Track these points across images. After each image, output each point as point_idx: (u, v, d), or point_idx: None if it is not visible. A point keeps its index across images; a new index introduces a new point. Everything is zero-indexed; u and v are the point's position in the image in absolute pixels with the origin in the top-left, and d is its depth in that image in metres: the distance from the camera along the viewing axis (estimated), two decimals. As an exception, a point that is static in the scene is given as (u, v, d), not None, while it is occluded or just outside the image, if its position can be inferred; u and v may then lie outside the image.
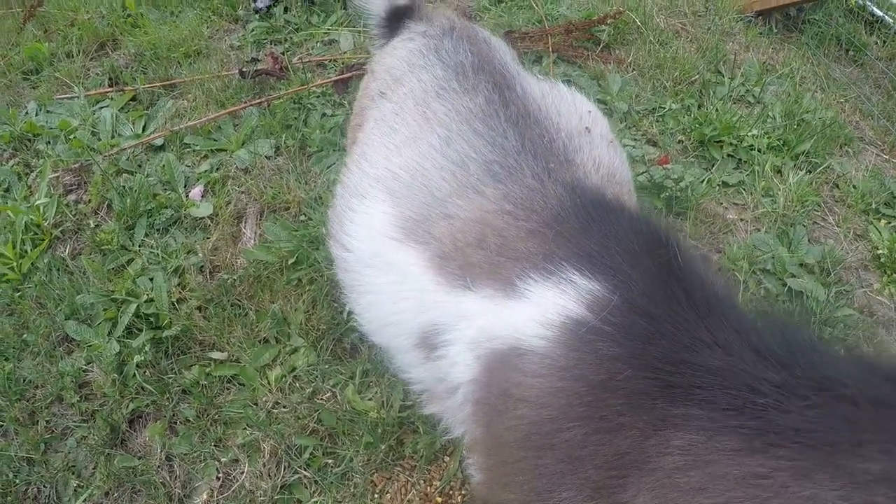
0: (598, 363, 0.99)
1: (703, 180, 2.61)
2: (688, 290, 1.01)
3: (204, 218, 2.40)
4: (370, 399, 1.96)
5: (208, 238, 2.35)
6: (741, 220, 2.55)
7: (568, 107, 1.53)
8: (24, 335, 2.14)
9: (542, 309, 1.09)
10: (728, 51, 3.27)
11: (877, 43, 3.60)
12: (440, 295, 1.24)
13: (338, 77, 2.83)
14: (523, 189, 1.26)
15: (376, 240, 1.35)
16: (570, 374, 1.01)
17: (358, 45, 3.07)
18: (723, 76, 3.14)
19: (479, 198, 1.28)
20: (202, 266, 2.28)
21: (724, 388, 0.88)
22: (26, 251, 2.35)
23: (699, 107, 2.93)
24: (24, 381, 2.06)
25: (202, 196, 2.47)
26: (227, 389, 2.03)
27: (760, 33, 3.45)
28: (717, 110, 2.88)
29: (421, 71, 1.57)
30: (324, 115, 2.72)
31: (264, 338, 2.11)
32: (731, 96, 3.02)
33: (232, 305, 2.17)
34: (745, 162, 2.74)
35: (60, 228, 2.42)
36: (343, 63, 2.95)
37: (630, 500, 0.91)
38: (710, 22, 3.44)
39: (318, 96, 2.80)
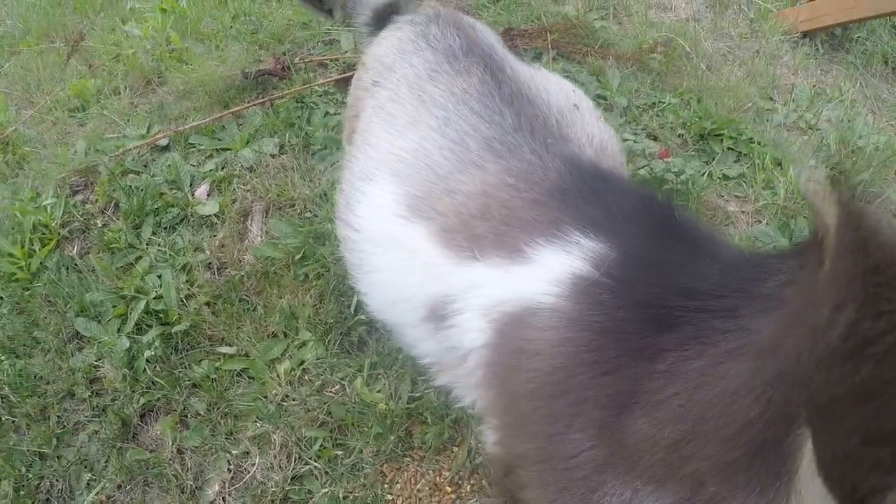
0: (602, 312, 1.08)
1: (704, 173, 2.64)
2: (676, 235, 1.12)
3: (210, 216, 2.43)
4: (378, 391, 1.99)
5: (215, 235, 2.38)
6: (742, 212, 2.59)
7: (554, 86, 1.60)
8: (35, 332, 2.17)
9: (551, 269, 1.16)
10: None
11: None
12: (448, 267, 1.30)
13: (339, 76, 2.86)
14: (523, 163, 1.33)
15: (383, 219, 1.41)
16: (578, 324, 1.09)
17: (358, 44, 3.09)
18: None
19: (480, 172, 1.34)
20: (210, 263, 2.31)
21: (694, 310, 0.97)
22: (34, 251, 2.37)
23: (699, 101, 2.96)
24: (35, 377, 2.09)
25: (208, 194, 2.50)
26: (237, 383, 2.06)
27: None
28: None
29: (411, 56, 1.63)
30: (326, 113, 2.75)
31: (273, 332, 2.14)
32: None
33: (240, 301, 2.19)
34: (746, 155, 2.77)
35: (68, 228, 2.45)
36: (344, 62, 2.98)
37: (629, 428, 0.98)
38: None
39: (319, 95, 2.83)
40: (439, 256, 1.31)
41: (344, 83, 2.79)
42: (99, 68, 3.22)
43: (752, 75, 3.27)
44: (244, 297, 2.21)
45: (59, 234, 2.42)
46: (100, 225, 2.43)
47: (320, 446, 1.93)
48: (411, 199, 1.38)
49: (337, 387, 2.02)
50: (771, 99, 3.22)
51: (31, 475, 1.92)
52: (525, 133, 1.38)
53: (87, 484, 1.92)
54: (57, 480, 1.93)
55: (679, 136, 2.83)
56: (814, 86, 3.31)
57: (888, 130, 3.12)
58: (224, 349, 2.10)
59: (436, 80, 1.54)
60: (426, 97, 1.51)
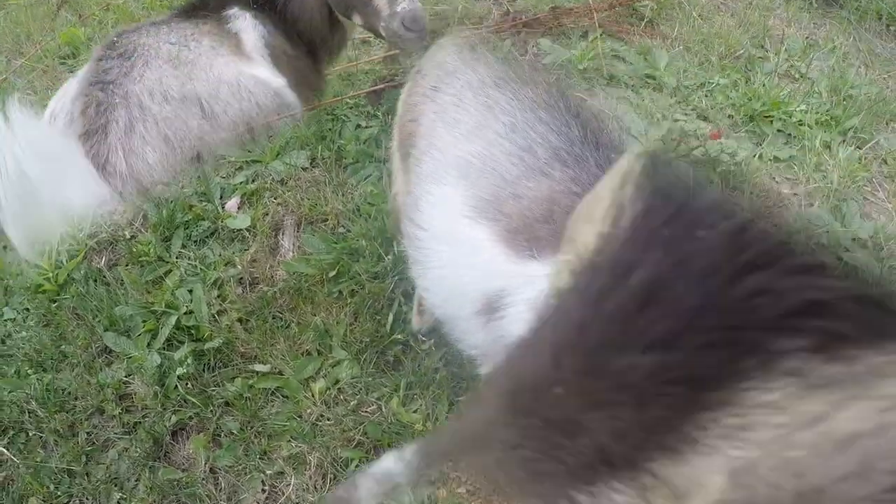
0: None
1: (755, 155, 2.66)
2: None
3: (241, 230, 2.39)
4: (415, 411, 1.95)
5: (246, 250, 2.35)
6: (794, 194, 2.59)
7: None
8: (63, 346, 2.14)
9: None
10: (770, 26, 3.32)
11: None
12: (508, 265, 1.36)
13: (371, 88, 2.83)
14: (590, 176, 1.38)
15: (451, 219, 1.47)
16: None
17: (392, 50, 3.05)
18: (766, 51, 3.20)
19: (547, 180, 1.40)
20: (241, 278, 2.27)
21: None
22: (62, 262, 2.34)
23: (746, 81, 2.98)
24: (63, 392, 2.06)
25: (238, 207, 2.47)
26: (271, 402, 2.02)
27: (801, 8, 3.48)
28: (763, 85, 2.93)
29: (475, 63, 1.65)
30: (358, 126, 2.72)
31: (307, 350, 2.10)
32: (776, 72, 3.07)
33: (273, 318, 2.16)
34: (795, 137, 2.78)
35: (95, 239, 2.41)
36: (376, 74, 2.95)
37: None
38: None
39: (350, 108, 2.80)
40: (501, 254, 1.38)
41: (376, 95, 2.77)
42: (89, 18, 3.26)
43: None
44: (277, 313, 2.18)
45: (86, 245, 2.38)
46: (128, 237, 2.40)
47: (356, 467, 1.89)
48: (478, 200, 1.44)
49: (373, 406, 1.99)
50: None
51: (59, 492, 1.89)
52: (591, 146, 1.44)
53: (118, 503, 1.89)
54: (86, 499, 1.89)
55: (729, 116, 2.85)
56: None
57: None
58: (257, 367, 2.07)
59: (502, 87, 1.58)
60: (492, 103, 1.55)
